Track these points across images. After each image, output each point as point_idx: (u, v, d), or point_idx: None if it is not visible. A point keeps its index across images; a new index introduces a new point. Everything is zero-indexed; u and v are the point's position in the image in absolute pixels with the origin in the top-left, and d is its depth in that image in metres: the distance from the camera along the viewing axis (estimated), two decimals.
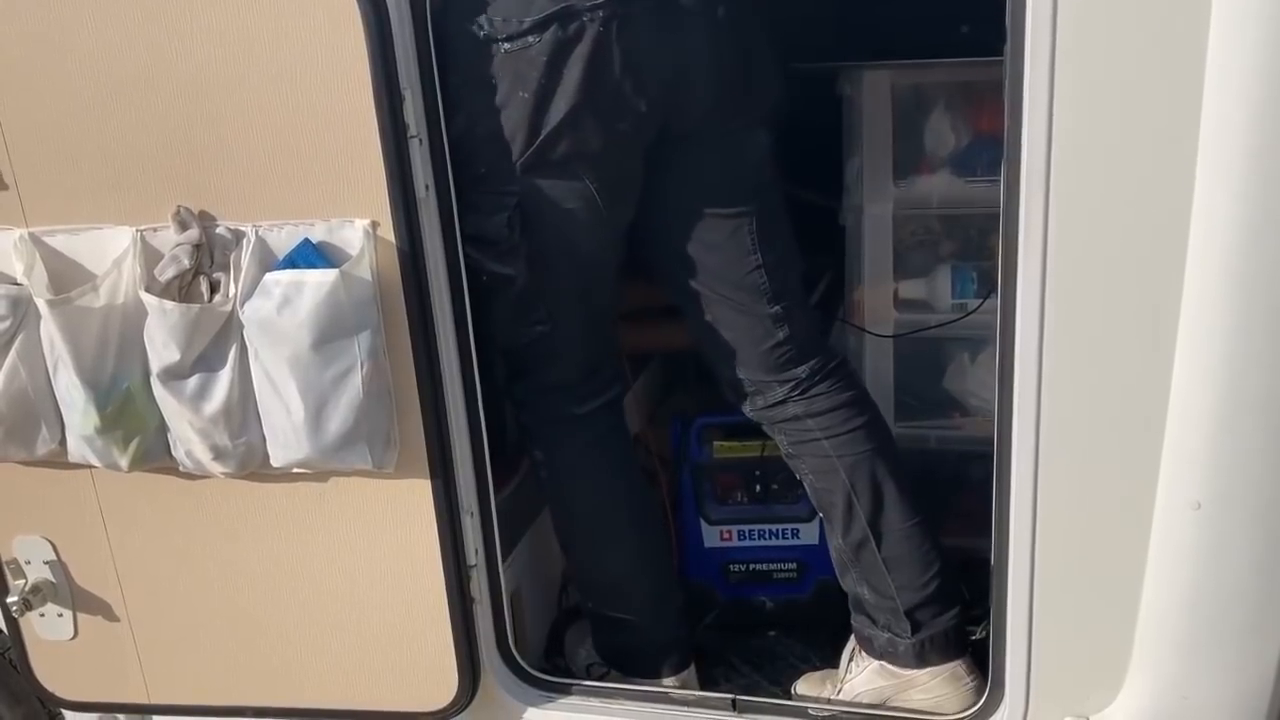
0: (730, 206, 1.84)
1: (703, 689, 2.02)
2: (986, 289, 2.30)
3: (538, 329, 1.84)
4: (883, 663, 1.93)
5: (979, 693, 1.80)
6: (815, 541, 2.25)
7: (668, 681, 1.98)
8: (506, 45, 1.62)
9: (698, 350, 1.98)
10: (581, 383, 1.93)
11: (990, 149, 2.08)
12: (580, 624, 2.18)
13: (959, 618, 1.91)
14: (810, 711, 1.84)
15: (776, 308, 1.86)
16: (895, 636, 1.90)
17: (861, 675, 1.95)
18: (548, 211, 1.74)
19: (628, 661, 2.02)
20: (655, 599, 2.01)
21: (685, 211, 1.85)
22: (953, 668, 1.89)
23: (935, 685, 1.89)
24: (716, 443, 2.33)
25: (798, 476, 1.97)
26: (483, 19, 1.62)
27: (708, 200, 1.84)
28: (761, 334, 1.87)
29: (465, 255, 1.72)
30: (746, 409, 1.95)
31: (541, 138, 1.66)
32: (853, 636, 1.99)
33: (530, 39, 1.61)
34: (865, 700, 1.93)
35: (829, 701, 1.94)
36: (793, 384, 1.89)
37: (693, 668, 2.04)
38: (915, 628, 1.89)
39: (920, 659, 1.89)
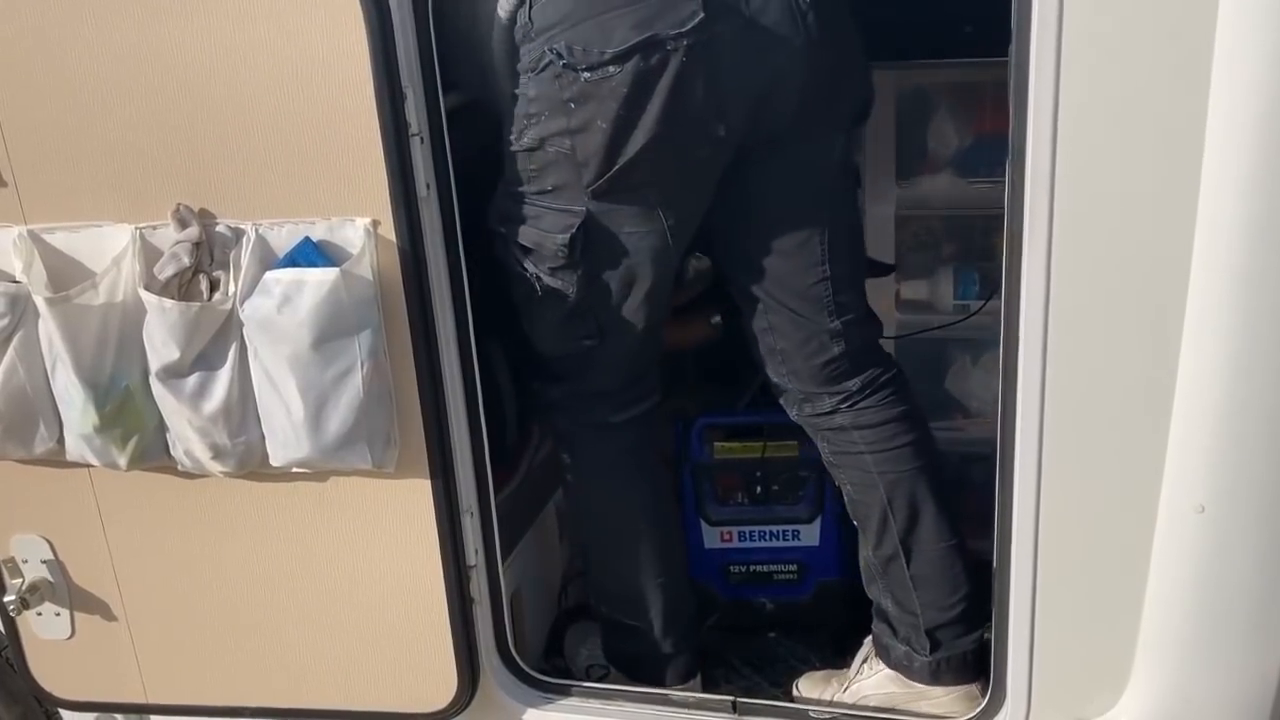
0: (804, 215, 1.79)
1: (703, 691, 2.01)
2: (989, 290, 2.29)
3: (586, 343, 1.81)
4: (897, 673, 1.92)
5: None
6: (816, 543, 2.25)
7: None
8: (586, 74, 1.57)
9: (748, 348, 1.93)
10: (621, 391, 1.90)
11: (994, 150, 2.08)
12: (580, 625, 2.17)
13: (980, 641, 1.88)
14: (811, 714, 1.83)
15: (837, 322, 1.82)
16: (913, 651, 1.89)
17: (873, 679, 1.94)
18: (613, 235, 1.70)
19: (635, 668, 2.01)
20: (669, 610, 1.99)
21: (758, 220, 1.80)
22: (968, 689, 1.88)
23: (947, 703, 1.88)
24: (717, 443, 2.32)
25: (836, 484, 1.95)
26: (560, 46, 1.57)
27: (781, 209, 1.79)
28: (817, 347, 1.84)
29: (519, 265, 1.72)
30: (792, 413, 1.92)
31: (616, 168, 1.62)
32: (869, 640, 1.99)
33: (611, 69, 1.56)
34: (873, 703, 1.92)
35: (830, 702, 1.93)
36: (843, 396, 1.85)
37: (699, 677, 2.03)
38: (934, 646, 1.87)
39: (935, 677, 1.88)
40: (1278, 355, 1.38)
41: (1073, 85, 1.35)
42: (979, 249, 2.39)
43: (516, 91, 1.63)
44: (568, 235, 1.68)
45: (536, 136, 1.64)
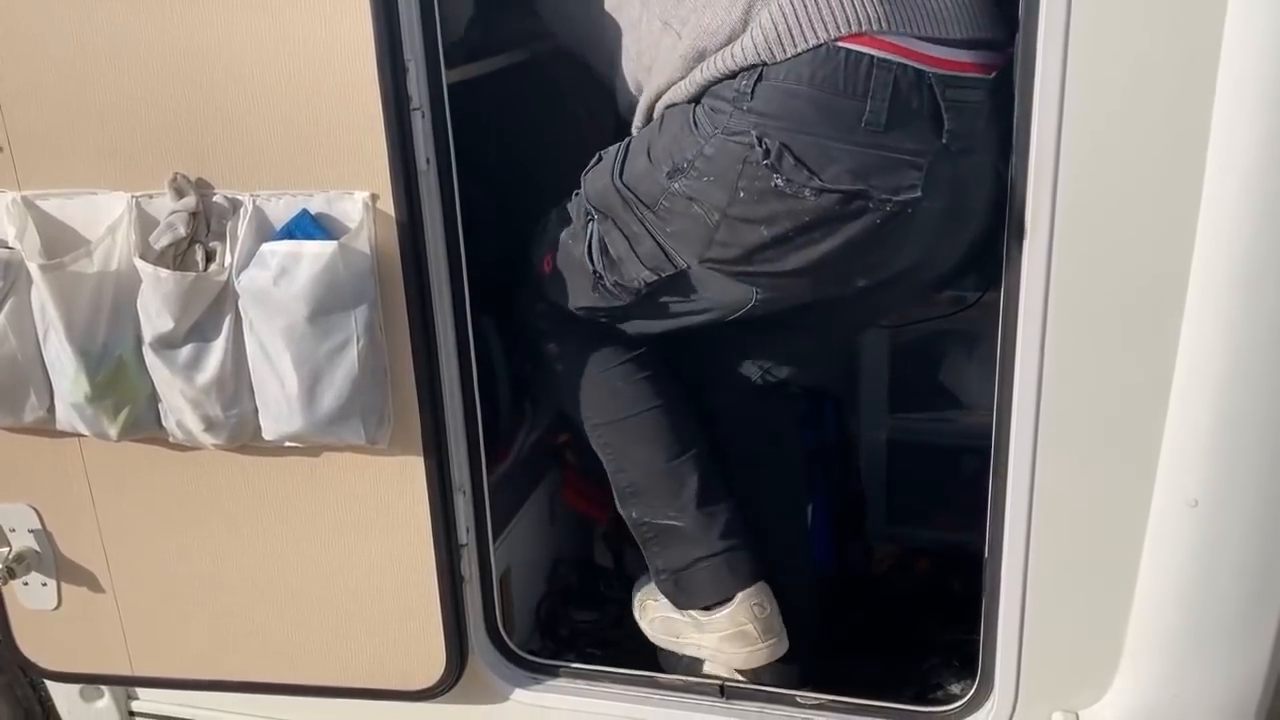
0: (829, 349, 1.83)
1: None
2: (985, 283, 2.29)
3: (601, 320, 1.80)
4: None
5: None
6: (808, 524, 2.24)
7: (739, 598, 1.81)
8: (778, 181, 1.48)
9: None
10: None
11: None
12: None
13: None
14: (798, 699, 1.84)
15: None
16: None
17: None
18: (696, 291, 1.66)
19: (691, 584, 1.85)
20: (705, 493, 1.83)
21: (793, 333, 1.80)
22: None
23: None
24: None
25: None
26: (774, 145, 1.48)
27: (820, 337, 1.83)
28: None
29: (588, 253, 1.70)
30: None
31: (748, 266, 1.58)
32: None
33: (807, 193, 1.49)
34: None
35: (814, 691, 1.94)
36: None
37: (764, 585, 1.82)
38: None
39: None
40: (1274, 351, 1.39)
41: (1078, 78, 1.34)
42: None
43: (694, 136, 1.55)
44: (655, 277, 1.64)
45: (689, 192, 1.56)
